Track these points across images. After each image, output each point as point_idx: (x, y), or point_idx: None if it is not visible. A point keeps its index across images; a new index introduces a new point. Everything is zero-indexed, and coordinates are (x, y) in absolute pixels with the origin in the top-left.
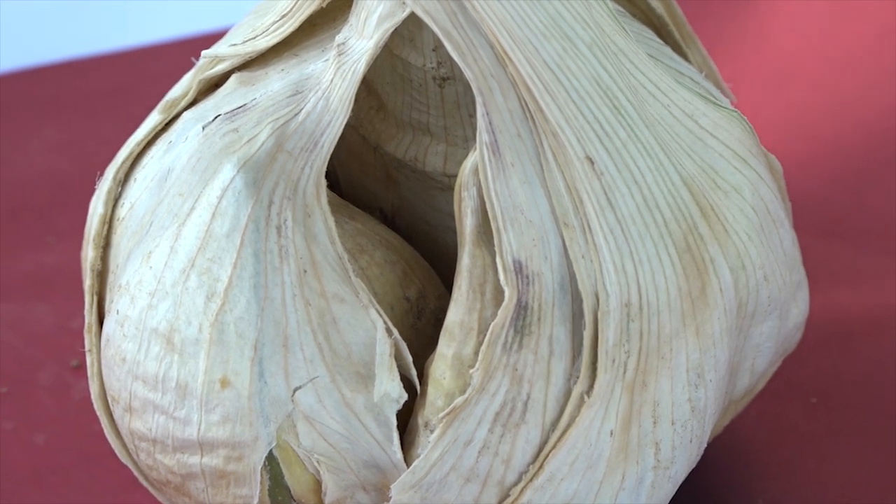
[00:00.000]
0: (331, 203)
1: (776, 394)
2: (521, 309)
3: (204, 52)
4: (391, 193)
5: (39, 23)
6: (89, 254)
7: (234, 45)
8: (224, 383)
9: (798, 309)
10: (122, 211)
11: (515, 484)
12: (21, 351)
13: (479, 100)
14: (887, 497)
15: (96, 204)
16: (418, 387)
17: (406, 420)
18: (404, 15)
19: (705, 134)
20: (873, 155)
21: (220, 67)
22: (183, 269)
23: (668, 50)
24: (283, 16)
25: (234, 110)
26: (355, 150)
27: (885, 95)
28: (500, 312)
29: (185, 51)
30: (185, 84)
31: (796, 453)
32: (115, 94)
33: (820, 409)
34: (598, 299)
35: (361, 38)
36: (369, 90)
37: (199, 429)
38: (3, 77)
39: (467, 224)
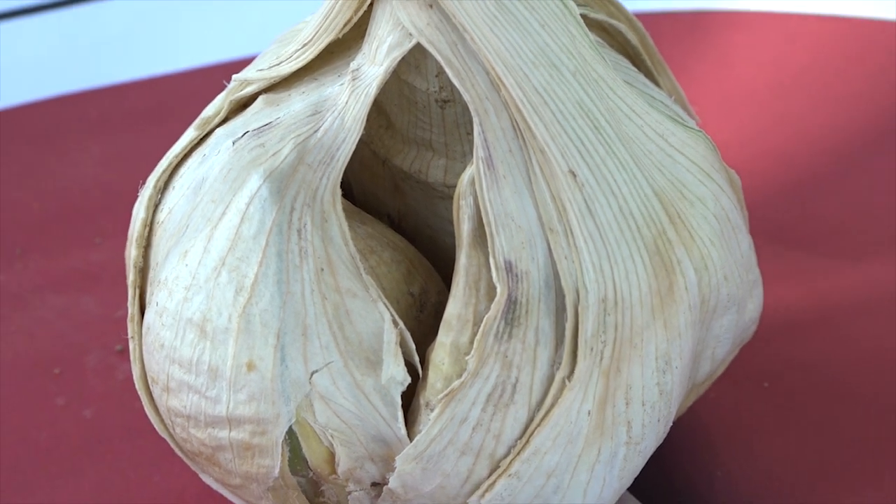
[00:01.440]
0: (345, 209)
1: (733, 379)
2: (511, 303)
3: (234, 76)
4: (398, 201)
5: (88, 52)
6: (132, 253)
7: (261, 70)
8: (250, 367)
9: (753, 304)
10: (161, 215)
11: (505, 457)
12: (71, 337)
13: (475, 120)
14: (830, 468)
15: (139, 209)
16: (420, 371)
17: (409, 400)
18: (411, 45)
19: (674, 151)
20: (818, 169)
21: (249, 90)
22: (215, 267)
23: (641, 77)
24: (304, 45)
25: (260, 127)
26: (367, 163)
27: (828, 117)
28: (492, 306)
29: (217, 75)
30: (218, 104)
31: (750, 431)
32: (155, 113)
33: (771, 392)
34: (578, 295)
35: (373, 65)
36: (379, 110)
37: (227, 407)
38: (58, 99)
39: (464, 228)
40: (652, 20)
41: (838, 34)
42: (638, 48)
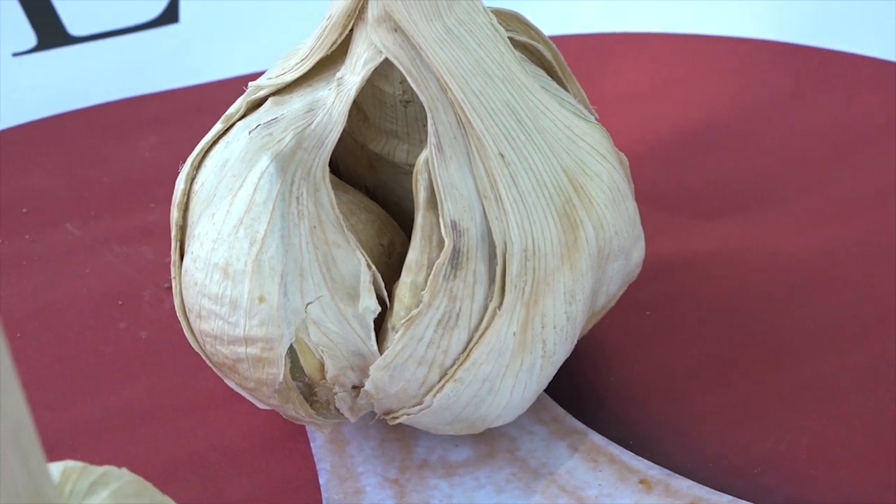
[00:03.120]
0: (332, 182)
1: (623, 308)
2: (456, 252)
3: (250, 83)
4: (372, 176)
5: (148, 65)
6: (174, 214)
7: (270, 78)
8: (261, 300)
9: (638, 253)
10: (196, 186)
11: (451, 367)
12: (131, 277)
13: (429, 115)
14: (695, 375)
15: (179, 181)
16: (388, 302)
17: (380, 324)
18: (381, 59)
19: (577, 139)
20: (688, 151)
21: (261, 93)
22: (234, 225)
23: (554, 83)
24: (302, 60)
25: (269, 121)
26: (349, 148)
27: (694, 112)
28: (441, 254)
29: (237, 85)
30: (238, 104)
31: (636, 346)
32: (194, 111)
33: (652, 318)
34: (506, 246)
35: (353, 75)
36: (358, 108)
37: (244, 329)
38: (124, 101)
39: (421, 196)
40: (564, 41)
41: (704, 49)
42: (552, 62)
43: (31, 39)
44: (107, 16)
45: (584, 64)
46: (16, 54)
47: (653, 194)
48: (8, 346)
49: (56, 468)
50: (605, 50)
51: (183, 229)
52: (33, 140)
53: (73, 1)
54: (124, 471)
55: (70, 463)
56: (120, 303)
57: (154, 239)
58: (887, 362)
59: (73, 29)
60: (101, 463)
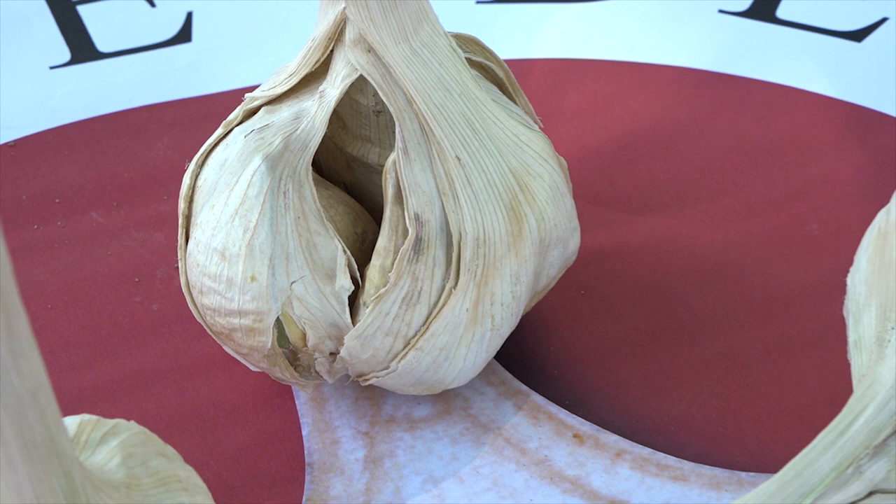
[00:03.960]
0: (315, 179)
1: (561, 289)
2: (418, 240)
3: (246, 95)
4: (349, 175)
5: (164, 77)
6: (181, 205)
7: (264, 91)
8: (252, 279)
9: (574, 242)
10: (200, 182)
11: (413, 337)
12: (147, 258)
13: (397, 124)
14: (622, 345)
15: (186, 177)
16: (360, 282)
17: (353, 301)
18: (357, 75)
19: (523, 145)
20: (621, 158)
21: (256, 103)
22: (231, 215)
23: (504, 98)
24: (290, 75)
25: (262, 127)
26: (329, 150)
27: (630, 125)
28: (406, 242)
29: (238, 95)
30: (236, 112)
31: (572, 322)
32: (201, 118)
33: (586, 297)
34: (461, 235)
35: (333, 88)
36: (338, 116)
37: (238, 304)
38: (143, 108)
39: (389, 192)
40: (520, 64)
41: (637, 74)
42: (503, 79)
43: (65, 54)
44: (130, 35)
45: (537, 84)
46: (52, 67)
47: (589, 193)
48: (29, 321)
49: (73, 421)
50: (554, 73)
51: (188, 218)
52: (66, 141)
53: (101, 22)
54: (132, 423)
55: (85, 416)
56: (136, 280)
57: (166, 226)
58: (787, 339)
59: (102, 46)
60: (117, 417)
